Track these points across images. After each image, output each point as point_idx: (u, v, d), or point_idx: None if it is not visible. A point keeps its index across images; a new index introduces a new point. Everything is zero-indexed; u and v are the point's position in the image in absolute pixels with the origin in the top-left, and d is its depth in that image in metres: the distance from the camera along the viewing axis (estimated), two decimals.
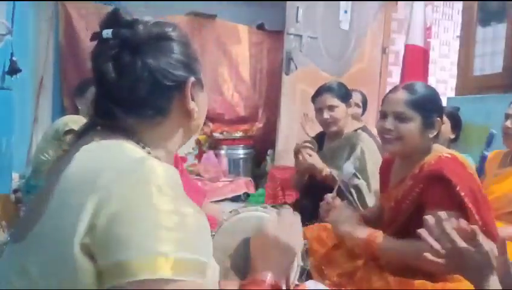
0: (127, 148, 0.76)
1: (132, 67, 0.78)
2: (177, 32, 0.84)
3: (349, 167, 2.00)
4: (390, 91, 1.60)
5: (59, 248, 0.65)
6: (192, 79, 0.83)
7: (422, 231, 1.04)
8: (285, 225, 0.92)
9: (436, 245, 1.01)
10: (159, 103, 0.81)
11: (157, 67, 0.79)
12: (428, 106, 1.50)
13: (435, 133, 1.52)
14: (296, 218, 0.95)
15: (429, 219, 1.04)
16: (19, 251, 0.72)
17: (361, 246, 1.55)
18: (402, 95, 1.52)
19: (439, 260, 1.03)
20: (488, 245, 1.01)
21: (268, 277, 0.84)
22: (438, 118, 1.51)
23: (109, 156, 0.73)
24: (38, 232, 0.70)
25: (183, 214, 0.67)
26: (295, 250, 0.90)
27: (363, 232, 1.55)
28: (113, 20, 0.80)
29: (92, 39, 0.81)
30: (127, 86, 0.78)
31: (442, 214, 1.02)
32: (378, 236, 1.51)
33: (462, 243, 0.99)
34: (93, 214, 0.64)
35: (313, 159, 2.27)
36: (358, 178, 2.24)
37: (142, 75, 0.78)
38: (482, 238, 0.99)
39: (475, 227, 1.00)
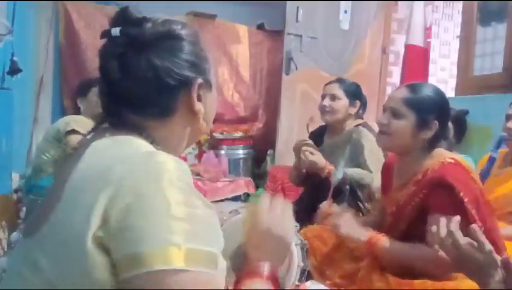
0: (138, 143, 0.77)
1: (136, 66, 0.78)
2: (186, 30, 0.84)
3: (340, 172, 2.08)
4: (395, 88, 1.63)
5: (71, 243, 0.66)
6: (199, 80, 0.83)
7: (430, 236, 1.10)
8: (276, 214, 0.89)
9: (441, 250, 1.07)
10: (164, 102, 0.81)
11: (162, 66, 0.79)
12: (424, 106, 1.50)
13: (430, 135, 1.51)
14: (287, 205, 0.92)
15: (434, 223, 1.10)
16: (30, 246, 0.72)
17: (362, 248, 1.55)
18: (401, 92, 1.55)
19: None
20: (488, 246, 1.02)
21: (266, 268, 0.82)
22: (435, 121, 1.51)
23: (120, 151, 0.74)
24: (49, 228, 0.70)
25: (194, 206, 0.68)
26: (288, 238, 0.89)
27: (364, 235, 1.55)
28: (122, 18, 0.81)
29: (101, 37, 0.82)
30: (130, 85, 0.79)
31: (442, 219, 1.06)
32: (380, 238, 1.51)
33: (463, 240, 1.01)
34: (106, 207, 0.65)
35: (315, 157, 2.26)
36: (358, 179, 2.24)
37: (146, 74, 0.78)
38: (482, 236, 1.00)
39: (475, 225, 1.02)
